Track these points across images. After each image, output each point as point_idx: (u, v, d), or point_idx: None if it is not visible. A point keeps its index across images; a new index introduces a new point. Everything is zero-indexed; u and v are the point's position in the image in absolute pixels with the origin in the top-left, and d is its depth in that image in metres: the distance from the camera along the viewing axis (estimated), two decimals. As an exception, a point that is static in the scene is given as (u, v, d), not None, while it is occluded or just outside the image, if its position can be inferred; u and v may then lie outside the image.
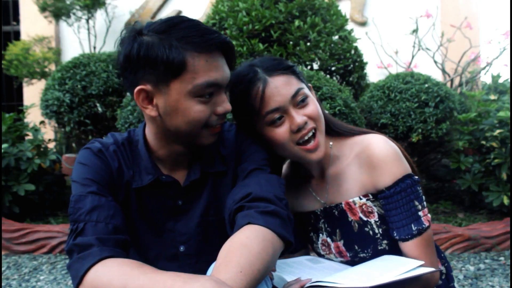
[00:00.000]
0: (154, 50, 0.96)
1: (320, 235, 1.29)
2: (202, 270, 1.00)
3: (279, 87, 1.12)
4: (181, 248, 1.13)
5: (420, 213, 1.14)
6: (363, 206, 1.19)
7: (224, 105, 1.04)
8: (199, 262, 1.14)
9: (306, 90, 1.16)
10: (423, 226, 1.13)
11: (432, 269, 1.03)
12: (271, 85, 1.11)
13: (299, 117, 1.12)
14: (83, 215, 0.98)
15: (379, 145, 1.14)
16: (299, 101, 1.13)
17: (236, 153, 1.17)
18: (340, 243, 1.24)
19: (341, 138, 1.25)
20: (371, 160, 1.14)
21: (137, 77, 1.00)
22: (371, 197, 1.18)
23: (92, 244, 0.93)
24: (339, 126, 1.26)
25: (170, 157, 1.12)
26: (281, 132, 1.13)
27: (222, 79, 1.02)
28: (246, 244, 0.89)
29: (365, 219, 1.19)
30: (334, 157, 1.24)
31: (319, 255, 1.32)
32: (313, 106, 1.15)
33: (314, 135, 1.15)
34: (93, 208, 0.99)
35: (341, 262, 1.27)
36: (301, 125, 1.12)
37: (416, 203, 1.13)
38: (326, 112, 1.28)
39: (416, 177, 1.16)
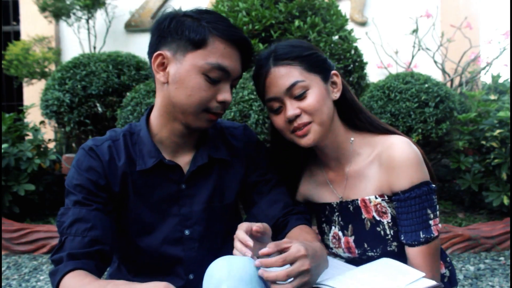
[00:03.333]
0: (185, 24, 1.07)
1: (333, 227, 1.29)
2: (204, 255, 1.08)
3: (277, 78, 1.15)
4: (186, 232, 1.17)
5: (431, 222, 1.13)
6: (378, 206, 1.18)
7: (226, 94, 1.10)
8: (201, 248, 1.18)
9: (308, 83, 1.14)
10: (432, 235, 1.12)
11: (434, 283, 1.00)
12: (271, 75, 1.15)
13: (291, 110, 1.14)
14: (65, 229, 1.06)
15: (401, 147, 1.13)
16: (296, 95, 1.14)
17: (246, 150, 1.27)
18: (351, 239, 1.24)
19: (365, 134, 1.23)
20: (391, 161, 1.13)
21: (160, 44, 1.10)
22: (386, 198, 1.17)
23: (62, 260, 1.01)
24: (366, 121, 1.24)
25: (171, 139, 1.16)
26: (279, 120, 1.19)
27: (232, 69, 1.09)
28: (309, 231, 1.20)
29: (378, 218, 1.19)
30: (354, 153, 1.23)
31: (327, 247, 1.32)
32: (312, 99, 1.13)
33: (306, 125, 1.15)
34: (73, 222, 1.06)
35: (349, 258, 1.27)
36: (291, 118, 1.14)
37: (429, 211, 1.12)
38: (359, 103, 1.26)
39: (434, 185, 1.14)
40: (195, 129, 1.14)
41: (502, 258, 2.64)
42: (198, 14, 1.09)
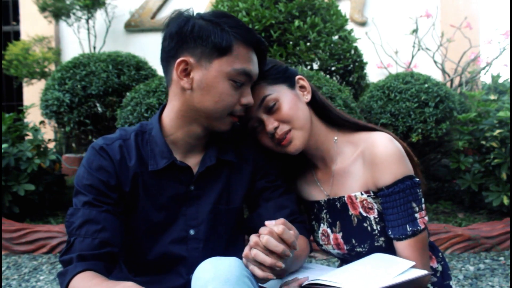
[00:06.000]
0: (208, 29, 1.07)
1: (321, 225, 1.31)
2: (208, 257, 1.08)
3: None
4: (191, 232, 1.18)
5: (417, 215, 1.15)
6: (364, 202, 1.20)
7: (249, 97, 1.14)
8: (205, 248, 1.19)
9: (276, 94, 1.19)
10: (418, 228, 1.14)
11: (426, 272, 1.04)
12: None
13: (270, 124, 1.19)
14: (74, 230, 1.06)
15: (383, 143, 1.16)
16: (268, 108, 1.19)
17: (255, 157, 1.27)
18: (339, 235, 1.26)
19: (347, 133, 1.27)
20: (373, 158, 1.16)
21: (181, 50, 1.09)
22: (372, 194, 1.20)
23: (72, 261, 1.02)
24: (339, 119, 1.28)
25: (185, 140, 1.17)
26: (264, 139, 1.23)
27: (254, 73, 1.14)
28: (301, 243, 1.20)
29: (364, 214, 1.21)
30: (339, 152, 1.26)
31: (318, 244, 1.35)
32: (284, 108, 1.19)
33: (287, 133, 1.19)
34: (83, 223, 1.06)
35: (338, 254, 1.30)
36: (271, 131, 1.19)
37: (414, 204, 1.14)
38: (329, 104, 1.30)
39: (417, 179, 1.17)
40: (217, 131, 1.17)
41: (502, 258, 2.64)
42: (218, 18, 1.09)
